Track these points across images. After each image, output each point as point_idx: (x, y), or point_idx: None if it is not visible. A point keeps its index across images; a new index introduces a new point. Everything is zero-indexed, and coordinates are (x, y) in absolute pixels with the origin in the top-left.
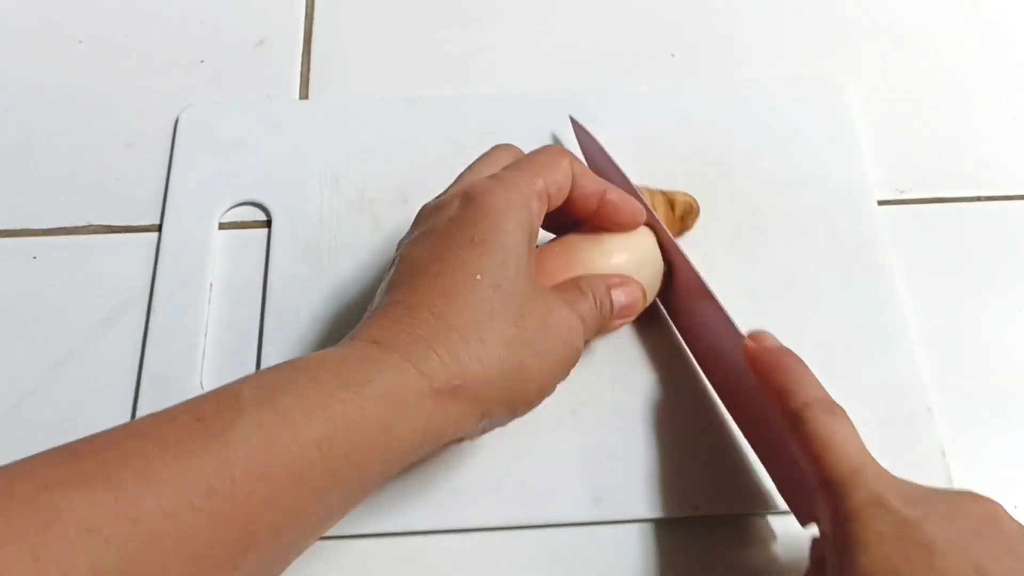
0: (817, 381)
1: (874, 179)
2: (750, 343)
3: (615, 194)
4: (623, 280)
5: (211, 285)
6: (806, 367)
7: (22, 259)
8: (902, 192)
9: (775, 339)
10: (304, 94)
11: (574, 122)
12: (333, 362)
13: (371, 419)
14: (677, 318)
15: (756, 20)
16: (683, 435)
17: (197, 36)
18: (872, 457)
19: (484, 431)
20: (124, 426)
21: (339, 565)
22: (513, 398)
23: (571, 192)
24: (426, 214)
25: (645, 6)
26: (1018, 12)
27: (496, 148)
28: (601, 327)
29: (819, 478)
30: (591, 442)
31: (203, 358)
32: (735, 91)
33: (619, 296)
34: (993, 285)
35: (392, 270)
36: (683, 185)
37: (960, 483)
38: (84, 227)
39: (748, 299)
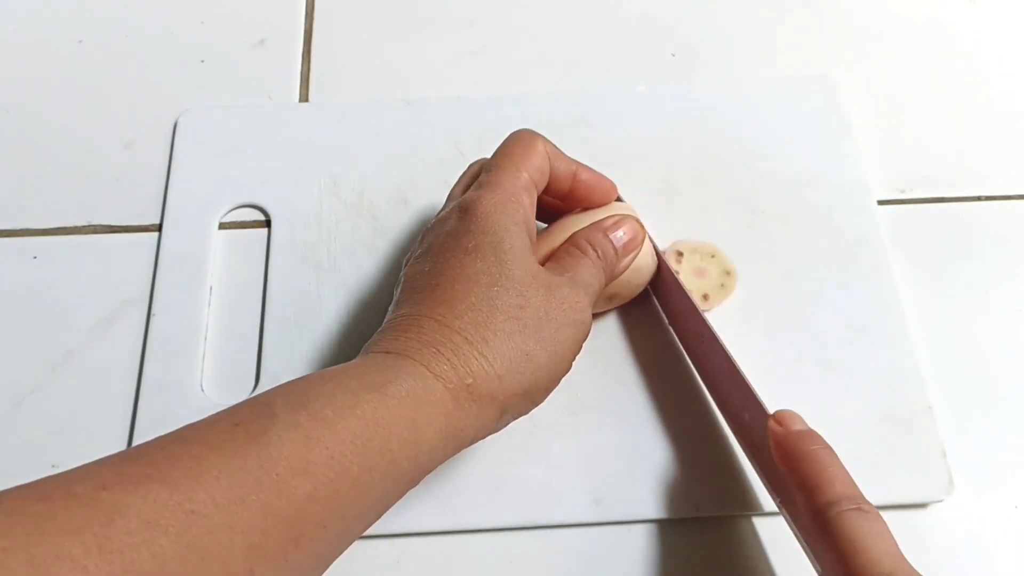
0: (847, 474)
1: (874, 179)
2: (775, 426)
3: (586, 172)
4: (617, 219)
5: (211, 288)
6: (835, 456)
7: (22, 259)
8: (902, 192)
9: (802, 421)
10: (304, 94)
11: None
12: (356, 370)
13: (398, 417)
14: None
15: (756, 19)
16: (684, 436)
17: (197, 36)
18: (906, 560)
19: (507, 423)
20: (168, 434)
21: (338, 565)
22: (528, 389)
23: (550, 174)
24: (428, 231)
25: (644, 6)
26: (1016, 11)
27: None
28: (611, 272)
29: None
30: (591, 443)
31: (203, 359)
32: (732, 90)
33: (618, 234)
34: (993, 285)
35: (399, 288)
36: (681, 184)
37: (961, 483)
38: (84, 227)
39: (748, 297)
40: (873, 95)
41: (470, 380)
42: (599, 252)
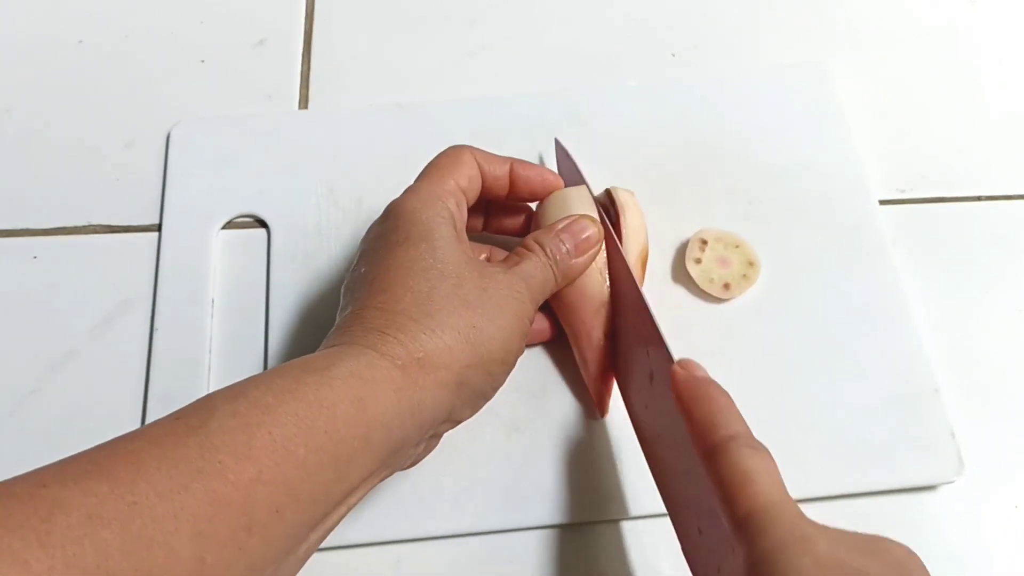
0: (741, 417)
1: (874, 179)
2: (678, 370)
3: (523, 167)
4: (570, 220)
5: (213, 301)
6: (731, 401)
7: (22, 259)
8: (902, 192)
9: (704, 370)
10: (304, 94)
11: (558, 145)
12: (298, 361)
13: (342, 397)
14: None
15: (756, 20)
16: None
17: (197, 36)
18: (791, 498)
19: (475, 401)
20: (111, 438)
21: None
22: (481, 358)
23: (483, 179)
24: (361, 243)
25: (643, 5)
26: (1016, 11)
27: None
28: (566, 271)
29: (735, 515)
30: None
31: (209, 371)
32: (724, 81)
33: (569, 236)
34: (993, 285)
35: (342, 299)
36: (678, 176)
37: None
38: (84, 227)
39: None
40: (873, 95)
41: (421, 354)
42: (547, 251)
